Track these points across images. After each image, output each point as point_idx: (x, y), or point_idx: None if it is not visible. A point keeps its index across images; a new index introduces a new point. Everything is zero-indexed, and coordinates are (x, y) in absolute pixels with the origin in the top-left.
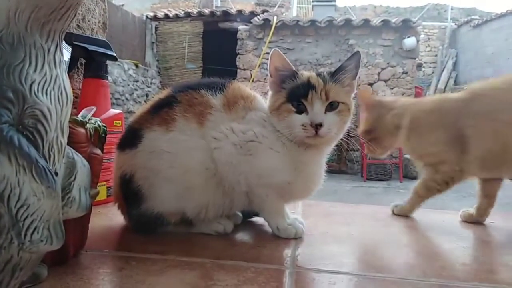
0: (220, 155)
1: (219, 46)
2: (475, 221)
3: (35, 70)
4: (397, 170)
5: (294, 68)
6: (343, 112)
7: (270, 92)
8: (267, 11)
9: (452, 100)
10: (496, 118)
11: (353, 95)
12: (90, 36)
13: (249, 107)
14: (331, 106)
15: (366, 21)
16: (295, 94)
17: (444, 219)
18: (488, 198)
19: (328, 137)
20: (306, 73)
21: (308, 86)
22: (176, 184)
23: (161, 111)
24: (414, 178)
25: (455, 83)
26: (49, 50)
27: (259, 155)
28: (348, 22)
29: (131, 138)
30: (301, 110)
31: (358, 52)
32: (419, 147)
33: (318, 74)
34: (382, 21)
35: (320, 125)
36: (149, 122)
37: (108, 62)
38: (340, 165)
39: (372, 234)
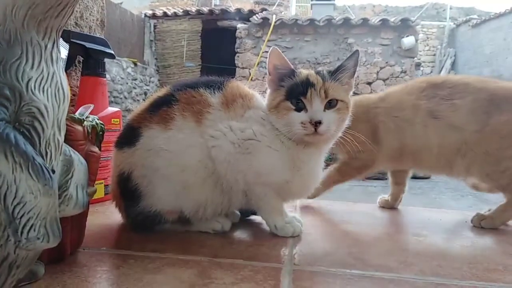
0: (218, 153)
1: (218, 45)
2: (391, 206)
3: (32, 67)
4: None
5: (292, 67)
6: (342, 110)
7: (268, 90)
8: (266, 9)
9: (372, 98)
10: (397, 115)
11: (351, 93)
12: (88, 33)
13: (247, 105)
14: (330, 104)
15: (365, 20)
16: (294, 92)
17: (442, 217)
18: (398, 185)
19: (327, 135)
20: (304, 71)
21: (307, 84)
22: (174, 182)
23: (160, 110)
24: (413, 177)
25: None
26: (46, 47)
27: (257, 154)
28: (347, 21)
29: (129, 136)
30: (300, 108)
31: (357, 51)
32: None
33: (317, 72)
34: (381, 20)
35: (319, 122)
36: (147, 120)
37: (106, 60)
38: None
39: (370, 232)
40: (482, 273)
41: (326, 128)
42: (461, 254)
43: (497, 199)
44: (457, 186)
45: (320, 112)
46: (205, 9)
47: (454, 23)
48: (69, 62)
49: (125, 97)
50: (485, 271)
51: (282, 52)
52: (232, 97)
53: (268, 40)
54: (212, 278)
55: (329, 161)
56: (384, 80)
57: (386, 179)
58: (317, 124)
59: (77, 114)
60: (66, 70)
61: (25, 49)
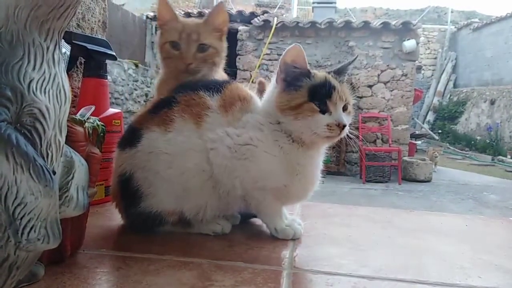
0: (215, 157)
1: None
2: None
3: (33, 69)
4: (395, 172)
5: (308, 67)
6: (351, 113)
7: (275, 89)
8: (267, 12)
9: None
10: None
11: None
12: (90, 35)
13: (246, 109)
14: (344, 107)
15: (366, 23)
16: (319, 93)
17: (442, 221)
18: None
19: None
20: (319, 73)
21: (331, 86)
22: (174, 185)
23: (161, 112)
24: (414, 180)
25: (454, 86)
26: (48, 48)
27: (254, 159)
28: (348, 24)
29: (131, 138)
30: (324, 110)
31: (356, 57)
32: None
33: (330, 74)
34: (382, 23)
35: (345, 125)
36: (148, 122)
37: (107, 61)
38: (339, 167)
39: (370, 235)
40: (482, 277)
41: (346, 131)
42: (461, 258)
43: (498, 202)
44: (457, 189)
45: (343, 115)
46: (207, 11)
47: (455, 27)
48: (71, 64)
49: (126, 99)
50: (486, 275)
51: (281, 55)
52: (231, 100)
53: (269, 43)
54: (212, 281)
55: (327, 162)
56: (385, 83)
57: (387, 181)
58: (344, 127)
59: (78, 116)
60: (67, 72)
61: (27, 50)
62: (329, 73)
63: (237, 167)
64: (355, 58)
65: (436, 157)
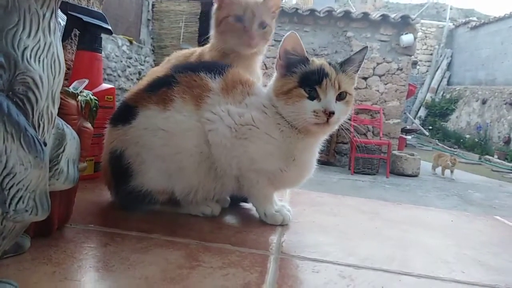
0: (214, 137)
1: None
2: None
3: (28, 36)
4: (384, 165)
5: (306, 54)
6: (349, 104)
7: (275, 75)
8: None
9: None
10: None
11: (353, 88)
12: (86, 7)
13: (247, 92)
14: (340, 96)
15: (365, 15)
16: (309, 80)
17: (428, 215)
18: None
19: (333, 126)
20: (317, 60)
21: (323, 74)
22: (168, 163)
23: (159, 90)
24: (401, 174)
25: (448, 83)
26: (44, 16)
27: (254, 140)
28: (347, 14)
29: (125, 114)
30: (312, 96)
31: (366, 47)
32: None
33: (329, 63)
34: (381, 15)
35: (333, 113)
36: (145, 100)
37: (102, 35)
38: (328, 157)
39: (357, 225)
40: (465, 272)
41: (337, 120)
42: (445, 252)
43: (483, 200)
44: (443, 185)
45: (333, 103)
46: None
47: (453, 24)
48: (66, 35)
49: (119, 75)
50: (468, 270)
51: (280, 41)
52: (232, 83)
53: None
54: (199, 261)
55: (319, 152)
56: (380, 76)
57: (374, 174)
58: (330, 114)
59: (71, 88)
60: (62, 43)
61: (23, 16)
62: (330, 62)
63: (236, 147)
64: (364, 49)
65: (453, 165)
